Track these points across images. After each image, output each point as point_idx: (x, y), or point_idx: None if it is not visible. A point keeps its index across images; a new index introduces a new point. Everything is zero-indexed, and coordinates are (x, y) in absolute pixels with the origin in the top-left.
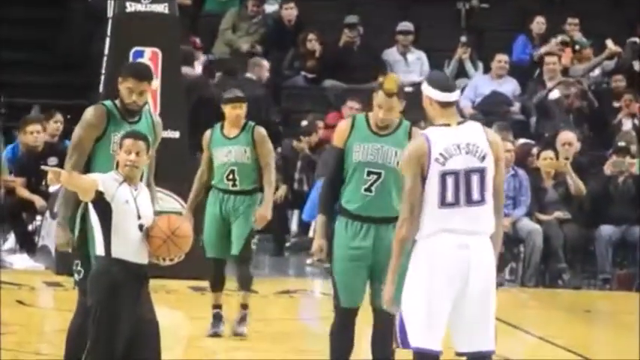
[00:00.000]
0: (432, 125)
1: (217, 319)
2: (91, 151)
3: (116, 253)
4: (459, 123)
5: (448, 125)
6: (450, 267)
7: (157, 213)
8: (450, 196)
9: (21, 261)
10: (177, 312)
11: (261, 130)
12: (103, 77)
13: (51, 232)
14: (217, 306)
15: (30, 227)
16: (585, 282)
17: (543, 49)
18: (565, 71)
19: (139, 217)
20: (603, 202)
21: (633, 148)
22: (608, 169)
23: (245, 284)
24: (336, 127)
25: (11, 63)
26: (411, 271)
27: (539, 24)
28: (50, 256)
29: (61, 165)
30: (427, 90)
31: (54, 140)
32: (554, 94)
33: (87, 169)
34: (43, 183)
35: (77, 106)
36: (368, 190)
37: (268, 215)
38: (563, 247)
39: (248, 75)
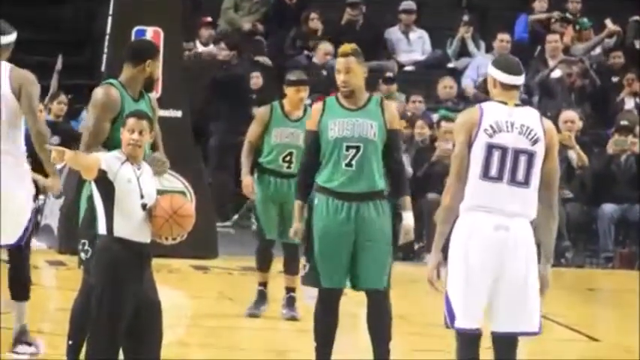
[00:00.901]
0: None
1: (263, 296)
2: (109, 132)
3: (118, 232)
4: (517, 105)
5: (505, 104)
6: (486, 250)
7: (161, 192)
8: (493, 170)
9: None
10: (179, 291)
11: None
12: (105, 56)
13: (53, 212)
14: (265, 284)
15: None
16: (588, 260)
17: (534, 17)
18: (566, 50)
19: (142, 197)
20: (605, 181)
21: (636, 127)
22: (610, 147)
23: (297, 269)
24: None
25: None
26: (451, 250)
27: (541, 3)
28: (53, 235)
29: (63, 145)
30: (491, 70)
31: (58, 120)
32: (557, 73)
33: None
34: None
35: (79, 86)
36: (348, 165)
37: None
38: (565, 226)
39: (314, 60)
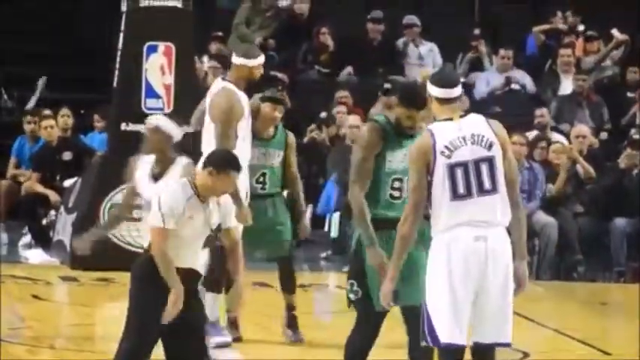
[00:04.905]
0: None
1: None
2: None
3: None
4: (462, 116)
5: (451, 119)
6: (468, 260)
7: None
8: (461, 188)
9: (36, 256)
10: None
11: (292, 136)
12: (117, 72)
13: (66, 227)
14: None
15: (44, 222)
16: (600, 275)
17: (538, 28)
18: (577, 63)
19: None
20: (617, 195)
21: None
22: (622, 162)
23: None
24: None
25: (24, 56)
26: (430, 267)
27: (556, 18)
28: (65, 250)
29: (75, 159)
30: (429, 88)
31: (66, 135)
32: (568, 89)
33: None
34: (58, 178)
35: (90, 101)
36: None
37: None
38: (577, 240)
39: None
